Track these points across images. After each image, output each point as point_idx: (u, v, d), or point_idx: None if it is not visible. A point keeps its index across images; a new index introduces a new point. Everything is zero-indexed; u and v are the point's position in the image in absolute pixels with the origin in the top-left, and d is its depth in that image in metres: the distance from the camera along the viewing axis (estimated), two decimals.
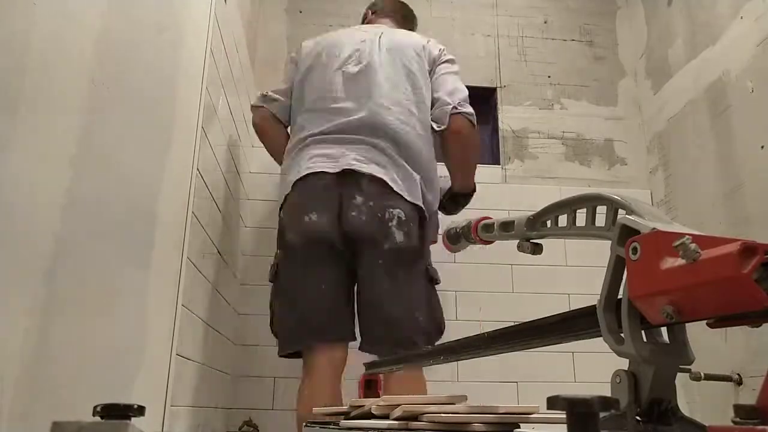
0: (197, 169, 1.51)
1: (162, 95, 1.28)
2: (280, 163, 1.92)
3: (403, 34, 2.00)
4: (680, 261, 0.32)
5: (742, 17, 2.06)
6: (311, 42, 2.02)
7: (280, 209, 1.77)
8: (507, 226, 0.66)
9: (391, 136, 1.71)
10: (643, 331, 0.39)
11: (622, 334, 0.39)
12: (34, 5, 0.75)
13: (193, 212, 1.47)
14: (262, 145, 2.55)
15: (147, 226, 1.20)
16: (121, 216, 1.06)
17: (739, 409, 0.37)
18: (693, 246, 0.32)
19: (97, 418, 0.53)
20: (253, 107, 2.02)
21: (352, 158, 1.68)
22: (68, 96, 0.85)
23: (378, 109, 1.74)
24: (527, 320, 0.60)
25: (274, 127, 1.98)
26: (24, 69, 0.74)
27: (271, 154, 2.04)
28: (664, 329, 0.40)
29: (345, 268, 1.66)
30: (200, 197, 1.55)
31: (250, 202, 2.42)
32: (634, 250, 0.36)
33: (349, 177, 1.66)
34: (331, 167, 1.68)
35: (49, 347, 0.81)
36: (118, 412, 0.53)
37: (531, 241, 0.64)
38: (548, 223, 0.57)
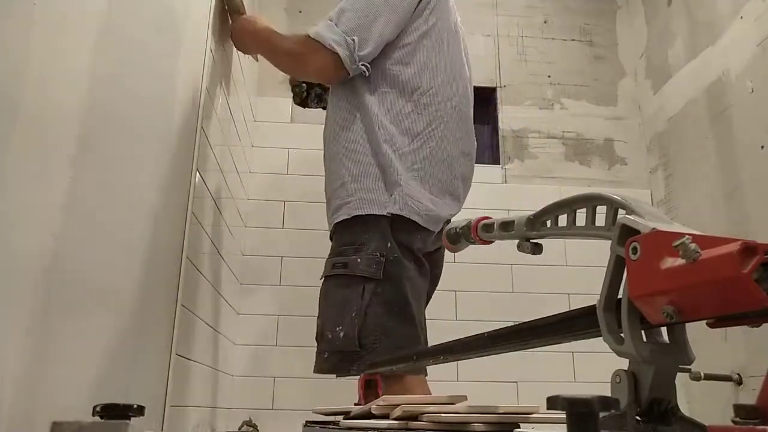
0: (197, 169, 1.51)
1: (162, 95, 1.28)
2: None
3: None
4: (680, 261, 0.32)
5: (742, 17, 2.06)
6: None
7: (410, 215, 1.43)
8: (507, 226, 0.67)
9: None
10: (643, 331, 0.39)
11: (622, 334, 0.39)
12: (33, 5, 0.75)
13: (192, 212, 1.47)
14: (261, 145, 2.56)
15: (147, 226, 1.20)
16: (121, 216, 1.06)
17: (739, 408, 0.37)
18: (693, 246, 0.32)
19: (97, 418, 0.53)
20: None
21: None
22: (68, 96, 0.85)
23: None
24: (527, 320, 0.60)
25: None
26: (24, 69, 0.74)
27: None
28: (664, 329, 0.40)
29: None
30: (200, 197, 1.55)
31: (250, 202, 2.42)
32: (634, 249, 0.36)
33: None
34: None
35: (49, 347, 0.80)
36: (117, 412, 0.53)
37: (531, 241, 0.64)
38: (548, 222, 0.57)
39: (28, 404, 0.75)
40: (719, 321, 0.33)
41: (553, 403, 0.38)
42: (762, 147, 1.88)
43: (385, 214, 1.39)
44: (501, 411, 0.73)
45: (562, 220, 0.54)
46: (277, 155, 2.51)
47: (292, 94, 2.02)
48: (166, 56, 1.31)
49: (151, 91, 1.21)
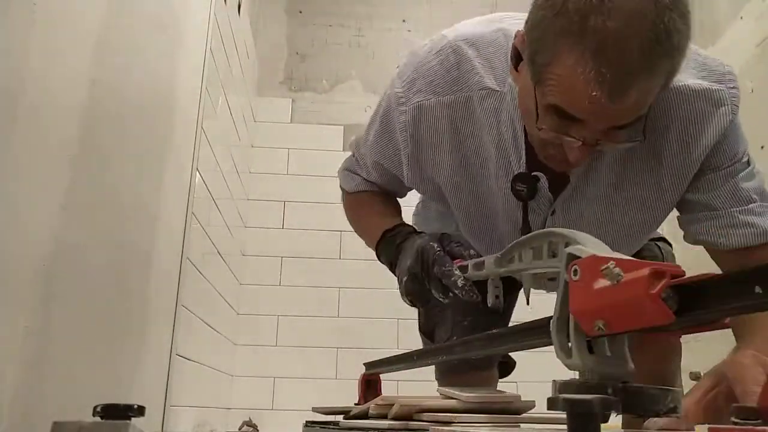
0: (197, 169, 1.51)
1: (162, 95, 1.28)
2: None
3: None
4: (607, 282, 0.40)
5: (742, 17, 2.06)
6: None
7: None
8: (479, 266, 0.73)
9: None
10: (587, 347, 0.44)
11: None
12: (34, 5, 0.75)
13: (193, 212, 1.47)
14: (261, 145, 2.56)
15: (147, 226, 1.20)
16: (121, 216, 1.06)
17: (739, 409, 0.38)
18: (616, 270, 0.39)
19: (98, 419, 0.53)
20: None
21: None
22: (68, 96, 0.85)
23: None
24: (527, 321, 0.61)
25: None
26: (24, 69, 0.74)
27: None
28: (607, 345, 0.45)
29: None
30: (200, 197, 1.55)
31: (250, 202, 2.42)
32: (575, 272, 0.43)
33: None
34: None
35: (49, 347, 0.80)
36: (118, 413, 0.53)
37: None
38: (514, 258, 0.63)
39: (29, 404, 0.75)
40: (642, 331, 0.40)
41: (553, 403, 0.39)
42: (762, 147, 1.88)
43: None
44: (498, 403, 0.73)
45: (525, 256, 0.61)
46: (277, 155, 2.51)
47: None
48: (166, 56, 1.31)
49: (151, 92, 1.21)
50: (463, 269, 0.78)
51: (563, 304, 0.46)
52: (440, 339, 1.19)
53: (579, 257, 0.44)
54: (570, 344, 0.45)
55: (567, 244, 0.49)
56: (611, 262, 0.39)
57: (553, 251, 0.55)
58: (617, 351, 0.45)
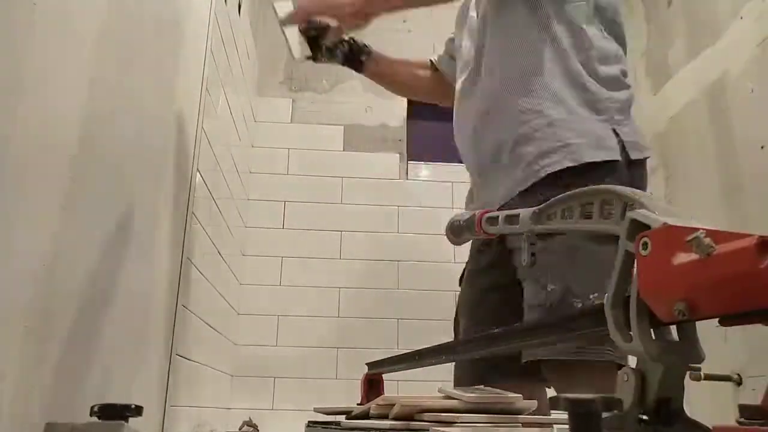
0: (197, 169, 1.51)
1: (162, 95, 1.28)
2: None
3: None
4: (693, 256, 0.32)
5: (742, 17, 2.06)
6: None
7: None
8: (512, 219, 0.65)
9: None
10: (651, 329, 0.38)
11: (630, 332, 0.38)
12: (34, 5, 0.74)
13: (193, 212, 1.47)
14: (261, 145, 2.55)
15: (147, 226, 1.20)
16: (121, 216, 1.06)
17: (744, 409, 0.37)
18: (707, 240, 0.31)
19: (95, 419, 0.53)
20: None
21: None
22: (68, 96, 0.85)
23: None
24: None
25: None
26: (24, 69, 0.73)
27: None
28: (673, 327, 0.38)
29: None
30: (200, 197, 1.55)
31: (250, 202, 2.42)
32: (644, 245, 0.35)
33: None
34: None
35: (49, 347, 0.80)
36: (115, 412, 0.53)
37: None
38: (556, 215, 0.54)
39: (28, 404, 0.75)
40: (732, 318, 0.32)
41: (555, 403, 0.38)
42: (762, 147, 1.88)
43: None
44: (498, 403, 0.73)
45: (570, 213, 0.52)
46: (277, 155, 2.51)
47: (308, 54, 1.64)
48: (166, 56, 1.31)
49: (151, 92, 1.21)
50: (493, 221, 0.70)
51: (621, 278, 0.38)
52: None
53: (646, 225, 0.36)
54: (629, 326, 0.38)
55: (627, 206, 0.41)
56: (700, 231, 0.31)
57: (608, 211, 0.46)
58: (687, 335, 0.38)
